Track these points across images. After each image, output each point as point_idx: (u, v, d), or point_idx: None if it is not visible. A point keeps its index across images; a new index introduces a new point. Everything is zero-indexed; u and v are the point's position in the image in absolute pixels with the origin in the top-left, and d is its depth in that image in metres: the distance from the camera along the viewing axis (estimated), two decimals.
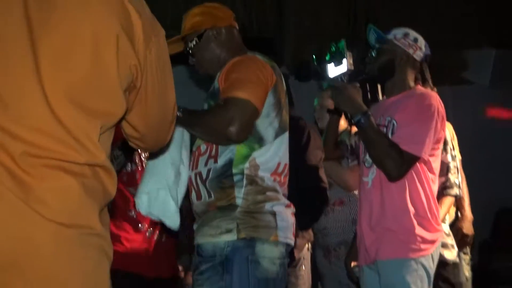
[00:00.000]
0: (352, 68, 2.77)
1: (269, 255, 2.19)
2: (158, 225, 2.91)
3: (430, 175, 2.66)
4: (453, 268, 3.54)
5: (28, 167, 1.25)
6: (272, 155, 2.28)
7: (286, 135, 2.38)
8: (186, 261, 3.49)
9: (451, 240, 3.40)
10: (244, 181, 2.22)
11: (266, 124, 2.28)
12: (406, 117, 2.65)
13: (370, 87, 3.12)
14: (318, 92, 3.86)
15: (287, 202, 2.31)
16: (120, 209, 2.85)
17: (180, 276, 3.43)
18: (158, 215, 2.30)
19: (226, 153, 2.24)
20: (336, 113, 3.29)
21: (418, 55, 2.78)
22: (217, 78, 2.34)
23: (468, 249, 3.79)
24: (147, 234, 2.93)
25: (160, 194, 2.28)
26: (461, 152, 3.71)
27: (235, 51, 2.40)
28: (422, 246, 2.58)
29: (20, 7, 1.31)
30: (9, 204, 1.23)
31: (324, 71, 2.82)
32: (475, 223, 3.81)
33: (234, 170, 2.22)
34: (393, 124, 2.68)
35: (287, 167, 2.36)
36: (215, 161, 2.25)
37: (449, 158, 3.32)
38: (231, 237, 2.16)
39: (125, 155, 2.78)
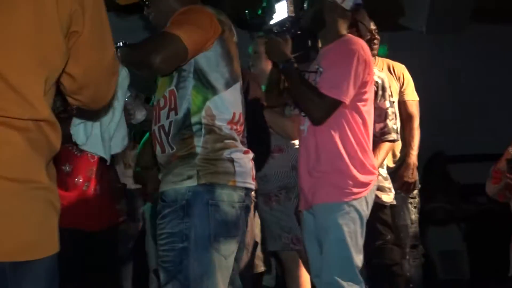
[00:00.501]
0: (293, 14, 2.77)
1: (228, 199, 2.29)
2: (93, 177, 2.85)
3: (359, 119, 2.72)
4: (396, 209, 3.65)
5: None
6: (226, 105, 2.36)
7: (238, 85, 2.45)
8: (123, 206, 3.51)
9: (388, 184, 3.49)
10: (203, 131, 2.30)
11: (217, 73, 2.35)
12: (328, 63, 2.74)
13: (310, 38, 3.12)
14: (250, 40, 3.83)
15: (244, 149, 2.40)
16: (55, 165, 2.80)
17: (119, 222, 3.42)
18: (91, 149, 2.34)
19: (183, 103, 2.31)
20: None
21: (347, 4, 2.81)
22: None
23: (415, 193, 3.89)
24: (83, 188, 2.90)
25: (94, 127, 2.31)
26: None
27: (188, 3, 2.41)
28: (354, 189, 2.68)
29: None
30: None
31: (262, 21, 2.87)
32: None
33: (193, 120, 2.30)
34: (320, 71, 2.76)
35: (242, 116, 2.44)
36: (176, 113, 2.32)
37: (387, 104, 3.37)
38: (192, 182, 2.25)
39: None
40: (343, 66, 2.68)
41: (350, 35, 2.83)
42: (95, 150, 2.35)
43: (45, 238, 1.36)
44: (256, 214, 3.58)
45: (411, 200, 3.89)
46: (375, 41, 3.78)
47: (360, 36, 3.37)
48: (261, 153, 3.27)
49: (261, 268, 3.71)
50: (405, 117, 3.93)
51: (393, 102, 3.44)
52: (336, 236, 2.64)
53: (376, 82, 3.37)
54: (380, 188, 3.41)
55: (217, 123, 2.32)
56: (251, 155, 2.43)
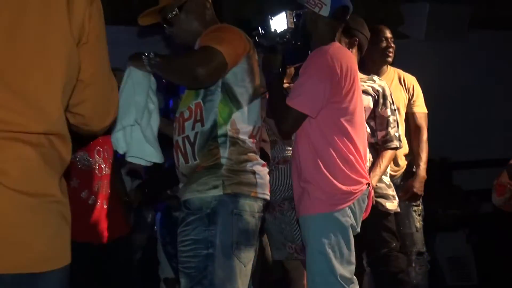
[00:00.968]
0: (293, 26, 2.80)
1: (250, 209, 2.40)
2: (101, 191, 2.87)
3: (340, 130, 2.69)
4: (401, 217, 3.62)
5: None
6: (249, 119, 2.47)
7: (258, 101, 2.56)
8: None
9: (392, 191, 3.48)
10: (228, 143, 2.41)
11: (242, 88, 2.46)
12: (299, 75, 2.75)
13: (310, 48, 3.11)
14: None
15: (262, 162, 2.51)
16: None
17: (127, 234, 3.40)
18: (138, 155, 2.43)
19: (210, 116, 2.41)
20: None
21: (325, 11, 2.78)
22: (197, 43, 2.49)
23: (418, 201, 3.87)
24: (90, 202, 2.88)
25: (133, 131, 2.40)
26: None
27: (210, 23, 2.57)
28: (335, 201, 2.66)
29: None
30: None
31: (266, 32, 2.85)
32: None
33: (219, 132, 2.41)
34: None
35: (259, 130, 2.56)
36: (202, 125, 2.42)
37: (388, 112, 3.37)
38: (217, 192, 2.36)
39: None
40: (308, 79, 2.68)
41: (334, 44, 2.80)
42: (144, 155, 2.44)
43: (58, 250, 1.39)
44: None
45: (415, 208, 3.87)
46: (390, 50, 3.77)
47: (360, 45, 3.38)
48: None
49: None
50: (414, 129, 3.90)
51: (395, 110, 3.43)
52: (316, 249, 2.66)
53: (377, 90, 3.37)
54: (384, 196, 3.41)
55: (241, 136, 2.44)
56: (267, 168, 2.55)
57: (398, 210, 3.51)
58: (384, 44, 3.76)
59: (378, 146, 3.40)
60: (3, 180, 1.27)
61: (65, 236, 1.41)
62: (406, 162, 3.89)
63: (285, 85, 3.00)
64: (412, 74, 4.04)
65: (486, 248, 5.51)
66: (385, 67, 3.87)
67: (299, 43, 2.90)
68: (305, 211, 2.69)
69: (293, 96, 2.66)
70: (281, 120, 2.70)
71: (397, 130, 3.39)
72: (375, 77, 3.47)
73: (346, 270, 2.64)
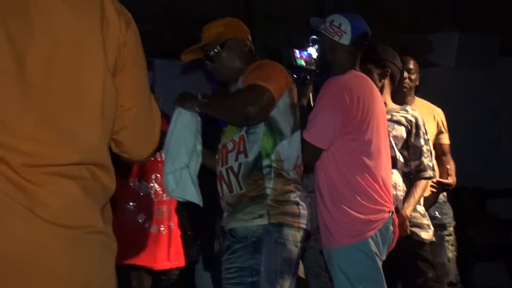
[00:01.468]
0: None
1: (293, 238, 2.45)
2: (157, 217, 2.93)
3: (355, 161, 2.65)
4: (431, 248, 3.54)
5: (29, 175, 1.28)
6: (292, 150, 2.53)
7: (299, 132, 2.61)
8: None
9: (426, 221, 3.43)
10: (272, 174, 2.47)
11: (285, 121, 2.52)
12: (314, 105, 2.73)
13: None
14: None
15: (305, 192, 2.58)
16: (117, 204, 2.77)
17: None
18: (180, 195, 2.52)
19: (254, 147, 2.48)
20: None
21: (346, 39, 2.75)
22: (240, 79, 2.58)
23: (450, 230, 3.78)
24: (146, 225, 2.92)
25: (183, 174, 2.48)
26: None
27: (250, 60, 2.64)
28: (354, 231, 2.63)
29: (1, 30, 1.29)
30: (12, 210, 1.26)
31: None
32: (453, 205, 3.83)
33: (264, 163, 2.47)
34: None
35: (301, 158, 2.60)
36: (246, 156, 2.48)
37: (422, 142, 3.34)
38: (263, 221, 2.41)
39: None
40: (320, 110, 2.66)
41: (353, 72, 2.76)
42: (186, 196, 2.51)
43: (103, 280, 1.40)
44: None
45: (448, 238, 3.79)
46: (406, 81, 3.71)
47: (392, 76, 3.35)
48: None
49: None
50: (441, 157, 3.85)
51: (428, 139, 3.39)
52: (341, 281, 2.63)
53: (409, 120, 3.33)
54: (419, 225, 3.36)
55: (285, 167, 2.50)
56: (309, 199, 2.60)
57: (433, 239, 3.44)
58: (403, 75, 3.73)
59: (412, 176, 3.34)
60: (43, 213, 1.28)
61: (110, 264, 1.42)
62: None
63: None
64: (442, 101, 4.01)
65: None
66: (412, 98, 3.84)
67: (317, 71, 2.89)
68: (328, 244, 2.68)
69: (307, 128, 2.64)
70: (301, 152, 2.66)
71: (431, 159, 3.35)
72: (408, 107, 3.44)
73: None
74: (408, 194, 3.28)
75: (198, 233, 3.39)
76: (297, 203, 2.48)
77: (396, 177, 3.16)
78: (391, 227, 2.74)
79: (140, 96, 1.54)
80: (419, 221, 3.35)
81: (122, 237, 2.77)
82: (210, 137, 2.70)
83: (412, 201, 3.26)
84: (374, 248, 2.63)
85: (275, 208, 2.43)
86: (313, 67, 2.85)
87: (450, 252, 3.79)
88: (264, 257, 2.38)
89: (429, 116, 3.81)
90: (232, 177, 2.50)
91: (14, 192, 1.27)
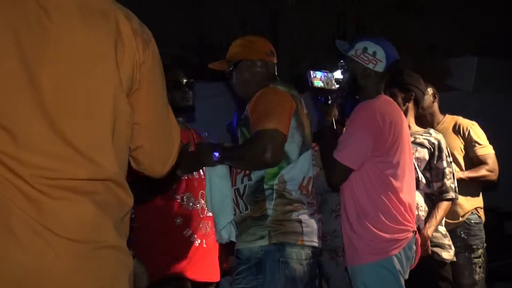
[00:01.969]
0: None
1: (297, 256, 2.42)
2: (201, 231, 2.93)
3: (383, 183, 2.64)
4: (462, 267, 3.51)
5: (42, 188, 1.26)
6: (298, 172, 2.51)
7: (309, 152, 2.61)
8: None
9: (448, 241, 3.40)
10: (274, 195, 2.46)
11: (292, 144, 2.50)
12: (346, 128, 2.73)
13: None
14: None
15: (312, 210, 2.54)
16: (166, 218, 2.85)
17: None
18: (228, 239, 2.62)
19: (258, 172, 2.48)
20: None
21: (380, 66, 2.75)
22: (247, 108, 2.57)
23: (479, 252, 3.72)
24: (191, 239, 2.92)
25: (231, 224, 2.58)
26: None
27: (262, 81, 2.61)
28: (380, 249, 2.61)
29: (10, 35, 1.26)
30: (24, 223, 1.24)
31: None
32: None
33: (266, 186, 2.47)
34: None
35: (312, 179, 2.60)
36: (249, 179, 2.50)
37: (444, 164, 3.33)
38: (264, 242, 2.41)
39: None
40: (354, 132, 2.66)
41: (381, 97, 2.76)
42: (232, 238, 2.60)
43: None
44: None
45: (475, 260, 3.73)
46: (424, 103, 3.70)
47: (416, 99, 3.34)
48: None
49: None
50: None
51: (451, 162, 3.38)
52: None
53: (432, 143, 3.32)
54: (440, 245, 3.34)
55: (288, 188, 2.48)
56: (318, 215, 2.58)
57: (454, 259, 3.41)
58: (429, 99, 3.75)
59: (434, 197, 3.32)
60: (55, 228, 1.26)
61: (122, 280, 1.39)
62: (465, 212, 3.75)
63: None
64: None
65: None
66: (440, 116, 3.86)
67: (344, 94, 2.89)
68: (352, 261, 2.66)
69: (339, 149, 2.63)
70: (329, 172, 2.68)
71: (453, 181, 3.34)
72: (432, 130, 3.43)
73: None
74: (430, 214, 3.27)
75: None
76: (299, 221, 2.46)
77: (418, 198, 3.15)
78: (414, 246, 2.74)
79: (157, 115, 1.52)
80: (440, 241, 3.33)
81: (169, 250, 2.78)
82: None
83: (433, 221, 3.24)
84: (398, 266, 2.63)
85: (276, 228, 2.42)
86: (333, 87, 2.82)
87: (477, 274, 3.74)
88: (267, 278, 2.37)
89: (453, 133, 3.80)
90: (239, 198, 2.53)
91: (26, 204, 1.25)
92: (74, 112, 1.31)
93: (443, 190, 3.28)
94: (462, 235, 3.62)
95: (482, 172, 3.75)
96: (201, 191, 2.95)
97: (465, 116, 4.02)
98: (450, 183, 3.29)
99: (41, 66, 1.28)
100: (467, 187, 3.69)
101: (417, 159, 3.24)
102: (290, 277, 2.40)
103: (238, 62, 2.69)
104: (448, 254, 3.34)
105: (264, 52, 2.71)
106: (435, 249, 3.26)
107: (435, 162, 3.29)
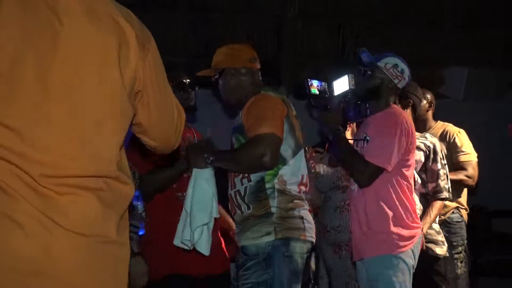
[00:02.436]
0: (354, 87, 2.88)
1: (299, 251, 2.46)
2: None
3: (404, 182, 2.75)
4: (445, 263, 3.56)
5: (48, 185, 1.26)
6: (295, 171, 2.54)
7: (302, 151, 2.63)
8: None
9: (441, 237, 3.47)
10: (276, 193, 2.48)
11: (286, 146, 2.52)
12: (375, 133, 2.79)
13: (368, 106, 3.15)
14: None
15: (308, 207, 2.58)
16: (168, 215, 2.78)
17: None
18: (200, 248, 2.50)
19: (257, 173, 2.49)
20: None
21: (402, 83, 2.90)
22: (240, 115, 2.59)
23: (459, 249, 3.79)
24: None
25: (204, 228, 2.48)
26: None
27: (248, 87, 2.64)
28: (400, 243, 2.70)
29: (24, 39, 1.27)
30: (32, 216, 1.24)
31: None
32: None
33: (267, 186, 2.48)
34: (367, 139, 2.82)
35: (307, 177, 2.62)
36: (249, 180, 2.50)
37: (439, 166, 3.40)
38: (270, 238, 2.43)
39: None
40: (388, 137, 2.72)
41: (395, 106, 2.89)
42: (201, 248, 2.49)
43: (122, 281, 1.39)
44: None
45: (456, 256, 3.80)
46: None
47: (414, 106, 3.44)
48: None
49: None
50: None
51: (445, 164, 3.45)
52: (387, 286, 2.65)
53: (428, 146, 3.39)
54: (434, 242, 3.39)
55: (288, 186, 2.50)
56: (311, 213, 2.61)
57: (447, 255, 3.47)
58: (425, 107, 3.84)
59: (429, 197, 3.41)
60: (61, 221, 1.26)
61: (121, 273, 1.40)
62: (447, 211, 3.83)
63: (350, 141, 3.05)
64: None
65: None
66: (432, 123, 3.95)
67: (359, 102, 2.96)
68: (373, 252, 2.72)
69: (376, 154, 2.71)
70: (360, 174, 2.72)
71: (447, 182, 3.42)
72: (427, 135, 3.52)
73: None
74: (424, 213, 3.34)
75: None
76: (301, 218, 2.49)
77: (414, 197, 3.21)
78: (420, 243, 2.83)
79: (158, 113, 1.52)
80: (434, 237, 3.41)
81: (172, 247, 2.63)
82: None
83: (428, 219, 3.32)
84: (411, 260, 2.73)
85: (281, 225, 2.44)
86: (326, 95, 2.90)
87: (459, 268, 3.81)
88: (276, 271, 2.40)
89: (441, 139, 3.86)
90: (240, 199, 2.52)
91: (33, 197, 1.24)
92: (80, 112, 1.31)
93: (437, 190, 3.37)
94: (444, 233, 3.70)
95: (460, 176, 3.79)
96: None
97: (456, 122, 4.10)
98: (444, 184, 3.37)
99: (51, 67, 1.28)
100: None
101: (414, 161, 3.31)
102: (293, 270, 2.44)
103: (223, 70, 2.69)
104: (441, 250, 3.42)
105: (247, 60, 2.71)
106: (429, 245, 3.33)
107: (430, 164, 3.37)
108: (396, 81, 2.86)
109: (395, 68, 2.87)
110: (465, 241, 3.85)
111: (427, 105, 3.87)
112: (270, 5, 5.47)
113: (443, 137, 3.89)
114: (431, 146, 3.40)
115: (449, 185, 3.43)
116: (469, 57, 5.75)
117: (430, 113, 3.95)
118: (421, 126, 3.84)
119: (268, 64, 5.71)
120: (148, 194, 2.73)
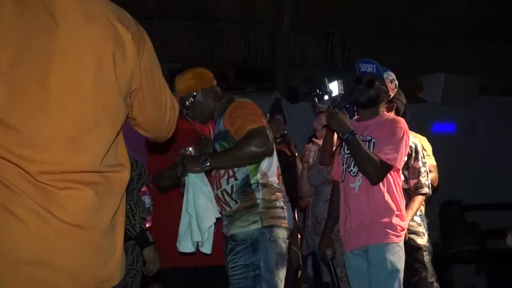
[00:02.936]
0: (343, 92, 3.02)
1: (282, 236, 2.60)
2: None
3: (399, 178, 3.00)
4: (424, 252, 3.70)
5: (47, 181, 1.26)
6: (272, 163, 2.67)
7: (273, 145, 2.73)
8: None
9: (422, 229, 3.56)
10: (260, 187, 2.61)
11: None
12: (382, 136, 2.94)
13: (355, 110, 3.32)
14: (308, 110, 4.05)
15: (287, 198, 2.73)
16: (173, 207, 2.81)
17: None
18: (204, 250, 2.59)
19: (241, 172, 2.62)
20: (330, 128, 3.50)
21: (391, 95, 3.14)
22: (221, 123, 2.68)
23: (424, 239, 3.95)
24: None
25: (210, 230, 2.58)
26: None
27: (216, 102, 2.76)
28: (401, 233, 2.90)
29: (24, 42, 1.24)
30: (32, 210, 1.25)
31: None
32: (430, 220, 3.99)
33: (252, 181, 2.61)
34: (373, 142, 2.97)
35: (278, 167, 2.74)
36: (236, 179, 2.63)
37: (420, 164, 3.46)
38: (257, 225, 2.56)
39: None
40: (397, 139, 2.92)
41: (387, 113, 3.11)
42: (204, 249, 2.58)
43: (113, 278, 1.40)
44: None
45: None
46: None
47: (397, 109, 3.60)
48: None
49: None
50: None
51: (425, 162, 3.57)
52: (393, 271, 2.81)
53: (410, 146, 3.53)
54: (416, 233, 3.50)
55: (269, 179, 2.64)
56: (288, 203, 2.75)
57: (427, 245, 3.62)
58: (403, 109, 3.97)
59: (410, 192, 3.53)
60: (60, 214, 1.26)
61: (114, 263, 1.40)
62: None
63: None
64: (430, 132, 4.12)
65: (496, 278, 5.56)
66: None
67: (347, 105, 3.08)
68: (379, 240, 2.85)
69: (389, 154, 2.87)
70: (376, 172, 2.85)
71: (427, 179, 3.52)
72: (410, 135, 3.63)
73: None
74: (407, 207, 3.45)
75: None
76: (282, 208, 2.63)
77: None
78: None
79: (153, 110, 1.52)
80: (415, 229, 3.50)
81: (171, 243, 2.73)
82: None
83: (410, 212, 3.39)
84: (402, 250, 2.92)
85: (266, 214, 2.56)
86: (337, 100, 3.01)
87: (425, 257, 3.91)
88: (262, 254, 2.52)
89: None
90: (228, 197, 2.63)
91: (33, 192, 1.24)
92: (77, 112, 1.29)
93: (418, 186, 3.42)
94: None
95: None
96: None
97: (434, 123, 4.22)
98: (425, 180, 3.44)
99: (49, 67, 1.26)
100: None
101: None
102: (279, 253, 2.57)
103: (195, 94, 2.75)
104: (422, 240, 3.50)
105: (212, 78, 2.82)
106: (411, 235, 3.39)
107: (412, 162, 3.42)
108: (390, 92, 3.07)
109: (392, 82, 3.06)
110: (427, 232, 3.93)
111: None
112: (267, 17, 5.61)
113: None
114: (413, 146, 3.45)
115: (429, 181, 3.55)
116: (445, 64, 5.97)
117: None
118: None
119: (264, 71, 5.87)
120: (165, 188, 2.90)
